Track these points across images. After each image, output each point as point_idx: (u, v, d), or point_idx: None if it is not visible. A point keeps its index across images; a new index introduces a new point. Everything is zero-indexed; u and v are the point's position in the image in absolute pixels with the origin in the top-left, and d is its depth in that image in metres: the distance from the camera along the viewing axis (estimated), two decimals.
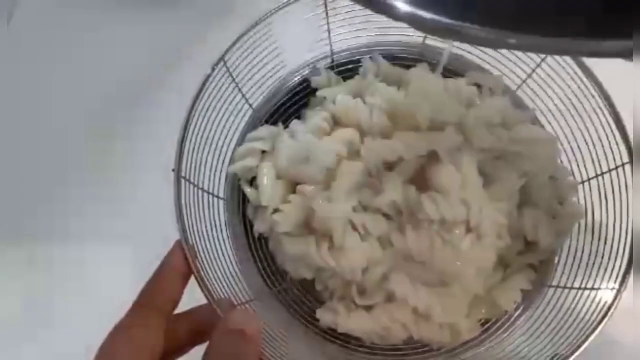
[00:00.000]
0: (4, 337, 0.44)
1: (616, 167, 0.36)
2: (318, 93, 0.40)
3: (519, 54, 0.39)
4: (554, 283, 0.37)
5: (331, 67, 0.42)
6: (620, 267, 0.34)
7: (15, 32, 0.51)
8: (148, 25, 0.51)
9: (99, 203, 0.47)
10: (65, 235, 0.46)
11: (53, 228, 0.46)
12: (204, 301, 0.31)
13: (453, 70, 0.40)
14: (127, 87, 0.49)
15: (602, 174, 0.37)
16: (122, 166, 0.48)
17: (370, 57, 0.41)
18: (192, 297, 0.31)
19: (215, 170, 0.38)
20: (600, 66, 0.36)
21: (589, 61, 0.36)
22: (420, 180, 0.36)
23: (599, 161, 0.37)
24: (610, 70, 0.36)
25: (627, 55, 0.17)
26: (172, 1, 0.52)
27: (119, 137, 0.48)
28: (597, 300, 0.33)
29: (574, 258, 0.37)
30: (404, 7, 0.19)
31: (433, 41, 0.41)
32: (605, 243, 0.35)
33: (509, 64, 0.40)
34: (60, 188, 0.47)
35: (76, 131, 0.48)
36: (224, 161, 0.39)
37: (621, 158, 0.35)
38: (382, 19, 0.40)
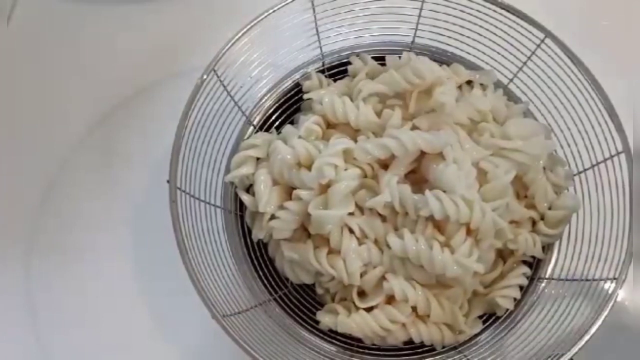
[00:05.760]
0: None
1: (611, 157, 0.36)
2: (305, 96, 0.40)
3: (509, 47, 0.39)
4: (554, 276, 0.37)
5: (322, 71, 0.42)
6: (620, 256, 0.33)
7: (15, 32, 0.51)
8: (148, 23, 0.51)
9: (99, 204, 0.46)
10: (64, 238, 0.46)
11: (52, 230, 0.46)
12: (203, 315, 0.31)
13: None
14: (127, 86, 0.49)
15: (598, 164, 0.37)
16: (122, 166, 0.48)
17: (358, 56, 0.41)
18: (192, 313, 0.31)
19: (211, 179, 0.38)
20: (591, 57, 0.36)
21: (580, 52, 0.36)
22: (416, 179, 0.36)
23: (594, 151, 0.37)
24: (601, 60, 0.36)
25: None
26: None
27: (120, 136, 0.48)
28: (597, 291, 0.33)
29: (573, 250, 0.36)
30: None
31: (422, 40, 0.41)
32: (603, 233, 0.35)
33: (499, 58, 0.40)
34: (61, 188, 0.47)
35: (76, 131, 0.48)
36: (219, 169, 0.39)
37: (616, 147, 0.35)
38: (371, 20, 0.41)
